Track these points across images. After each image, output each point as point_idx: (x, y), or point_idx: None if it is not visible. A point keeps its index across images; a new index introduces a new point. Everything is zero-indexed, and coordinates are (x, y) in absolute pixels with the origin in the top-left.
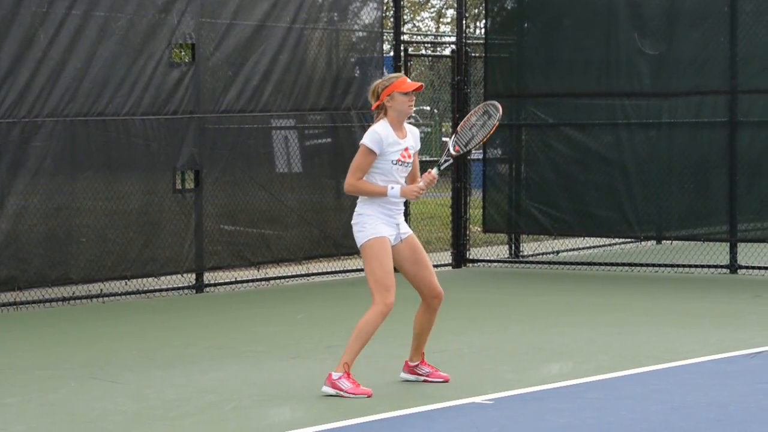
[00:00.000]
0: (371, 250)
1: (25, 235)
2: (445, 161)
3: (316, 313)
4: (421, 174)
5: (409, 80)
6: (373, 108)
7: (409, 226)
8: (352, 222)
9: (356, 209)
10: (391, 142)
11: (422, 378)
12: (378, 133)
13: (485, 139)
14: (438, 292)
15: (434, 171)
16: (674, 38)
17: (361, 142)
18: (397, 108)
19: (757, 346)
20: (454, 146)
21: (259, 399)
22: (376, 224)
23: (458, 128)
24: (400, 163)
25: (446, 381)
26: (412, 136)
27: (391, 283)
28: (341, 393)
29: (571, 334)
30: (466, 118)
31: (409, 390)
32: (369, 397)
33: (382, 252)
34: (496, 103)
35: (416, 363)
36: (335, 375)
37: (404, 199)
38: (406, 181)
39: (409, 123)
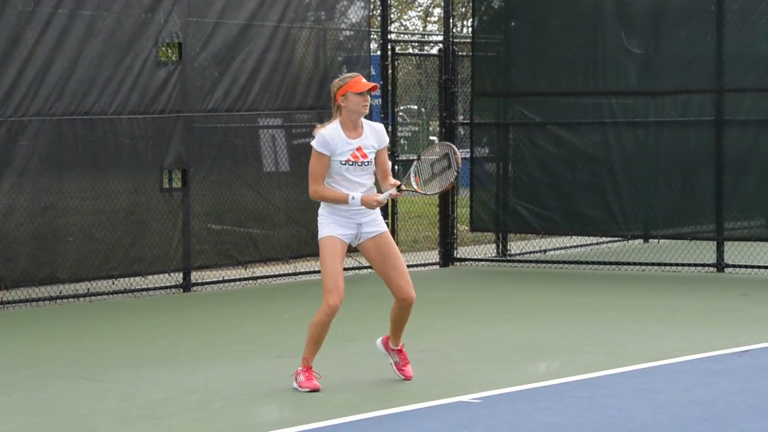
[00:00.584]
0: (320, 251)
1: (11, 234)
2: (406, 190)
3: (303, 312)
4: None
5: (364, 80)
6: (333, 109)
7: (396, 225)
8: (318, 219)
9: (319, 209)
10: (339, 142)
11: (390, 360)
12: (323, 136)
13: (444, 191)
14: (405, 296)
15: (393, 191)
16: (661, 37)
17: (311, 144)
18: (350, 108)
19: (743, 344)
20: (416, 176)
21: (246, 398)
22: (329, 225)
23: (421, 156)
24: (350, 163)
25: (407, 379)
26: (374, 134)
27: (335, 284)
28: (295, 385)
29: (559, 332)
30: (429, 149)
31: (397, 389)
32: (317, 391)
33: (327, 253)
34: (458, 153)
35: (394, 348)
36: (298, 369)
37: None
38: (377, 178)
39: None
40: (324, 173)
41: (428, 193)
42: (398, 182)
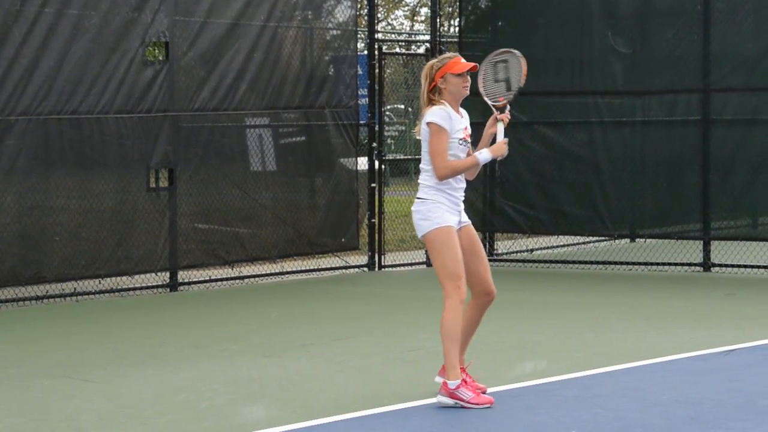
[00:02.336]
0: (439, 241)
1: None
2: (502, 105)
3: (290, 311)
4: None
5: (463, 60)
6: (429, 89)
7: (383, 224)
8: (414, 209)
9: (419, 195)
10: (456, 119)
11: (466, 400)
12: (443, 109)
13: (525, 75)
14: (490, 290)
15: (501, 129)
16: (647, 37)
17: (428, 121)
18: (451, 90)
19: (730, 343)
20: (498, 98)
21: (233, 398)
22: (441, 212)
23: (481, 89)
24: (465, 142)
25: (489, 403)
26: (466, 117)
27: (462, 272)
28: (462, 404)
29: (546, 332)
30: (481, 78)
31: (384, 388)
32: (491, 405)
33: (451, 242)
34: (499, 51)
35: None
36: (451, 384)
37: (464, 182)
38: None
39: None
40: (447, 149)
41: (516, 88)
42: (494, 111)
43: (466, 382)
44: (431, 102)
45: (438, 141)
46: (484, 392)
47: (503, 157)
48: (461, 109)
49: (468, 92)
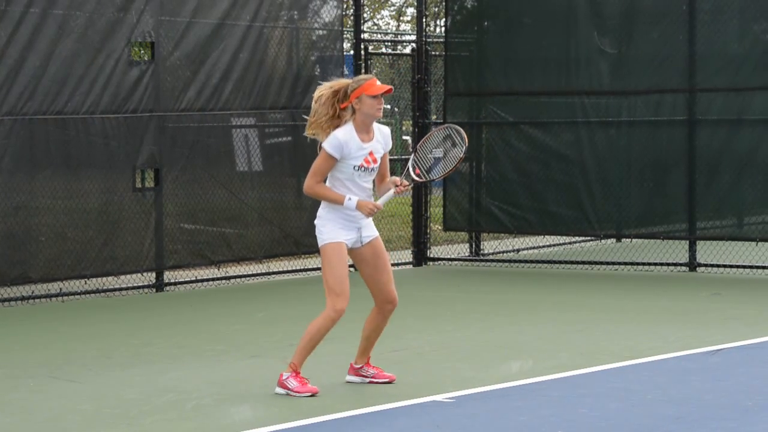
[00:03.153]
0: (325, 256)
1: None
2: (409, 184)
3: (276, 311)
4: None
5: (378, 83)
6: (342, 107)
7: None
8: (315, 221)
9: (319, 209)
10: (354, 147)
11: (368, 380)
12: (338, 139)
13: (451, 172)
14: (392, 298)
15: (390, 193)
16: (633, 37)
17: (322, 145)
18: (365, 111)
19: (716, 343)
20: (415, 169)
21: (219, 398)
22: (333, 228)
23: (418, 147)
24: (362, 169)
25: (392, 381)
26: (382, 137)
27: (342, 289)
28: (289, 392)
29: (532, 332)
30: (426, 138)
31: (370, 389)
32: (314, 395)
33: (335, 258)
34: (461, 130)
35: (360, 365)
36: (285, 375)
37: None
38: (374, 183)
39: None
40: (326, 174)
41: (435, 178)
42: (398, 179)
43: (297, 373)
44: (338, 118)
45: (320, 162)
46: (392, 381)
47: (366, 214)
48: (379, 129)
49: (381, 115)
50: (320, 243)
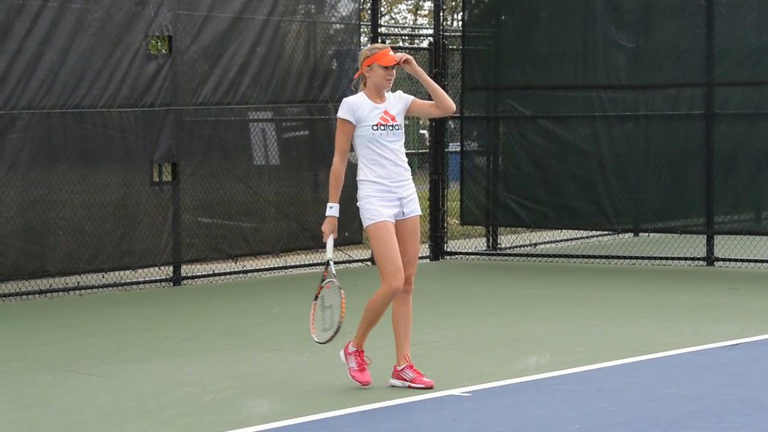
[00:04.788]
0: (373, 236)
1: (1, 227)
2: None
3: (293, 305)
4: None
5: (392, 53)
6: (356, 76)
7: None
8: (357, 204)
9: (357, 192)
10: (366, 108)
11: (407, 383)
12: (348, 103)
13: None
14: (407, 278)
15: (329, 254)
16: (651, 31)
17: (337, 115)
18: (374, 80)
19: (733, 338)
20: (326, 284)
21: (236, 392)
22: (375, 206)
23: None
24: (381, 127)
25: (430, 387)
26: (396, 98)
27: (396, 267)
28: (348, 369)
29: (549, 326)
30: (312, 312)
31: (386, 382)
32: (364, 386)
33: (382, 237)
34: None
35: (402, 366)
36: (351, 348)
37: (402, 170)
38: (436, 104)
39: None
40: (347, 144)
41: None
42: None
43: (359, 353)
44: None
45: (338, 133)
46: (430, 387)
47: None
48: (391, 95)
49: (390, 85)
50: (365, 223)
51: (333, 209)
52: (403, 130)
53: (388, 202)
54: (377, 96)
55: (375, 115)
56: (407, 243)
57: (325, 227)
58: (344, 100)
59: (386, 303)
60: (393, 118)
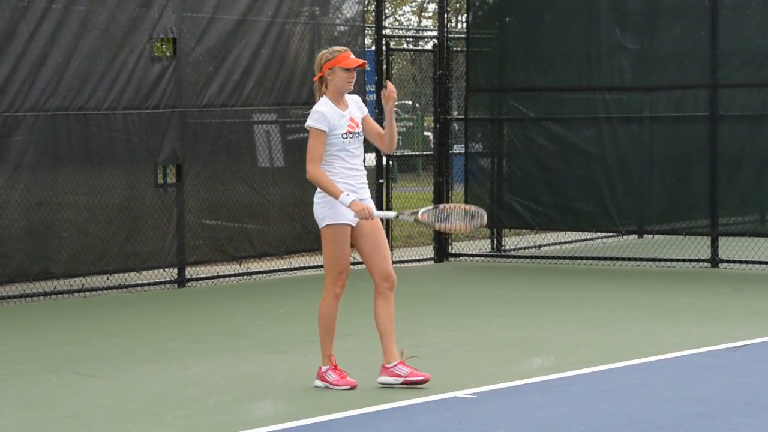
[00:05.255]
0: (330, 237)
1: (5, 229)
2: (408, 216)
3: (297, 307)
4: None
5: (353, 56)
6: (314, 79)
7: (391, 221)
8: (315, 199)
9: (317, 188)
10: (335, 116)
11: (401, 380)
12: (320, 112)
13: (451, 230)
14: (389, 273)
15: (392, 214)
16: (655, 32)
17: (307, 125)
18: (336, 83)
19: (738, 339)
20: (423, 214)
21: (240, 393)
22: (341, 209)
23: (442, 207)
24: (350, 135)
25: (426, 380)
26: (354, 105)
27: (343, 269)
28: (328, 385)
29: (553, 328)
30: (455, 206)
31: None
32: (353, 388)
33: (340, 240)
34: (485, 215)
35: (393, 363)
36: (323, 368)
37: (363, 173)
38: (375, 142)
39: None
40: (322, 152)
41: (437, 227)
42: (417, 212)
43: (335, 366)
44: (319, 92)
45: (312, 143)
46: (426, 380)
47: (358, 216)
48: (349, 99)
49: (351, 88)
50: (325, 223)
51: (349, 195)
52: (362, 137)
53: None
54: (340, 101)
55: (344, 123)
56: (378, 241)
57: (361, 210)
58: (315, 109)
59: (336, 305)
60: (357, 125)
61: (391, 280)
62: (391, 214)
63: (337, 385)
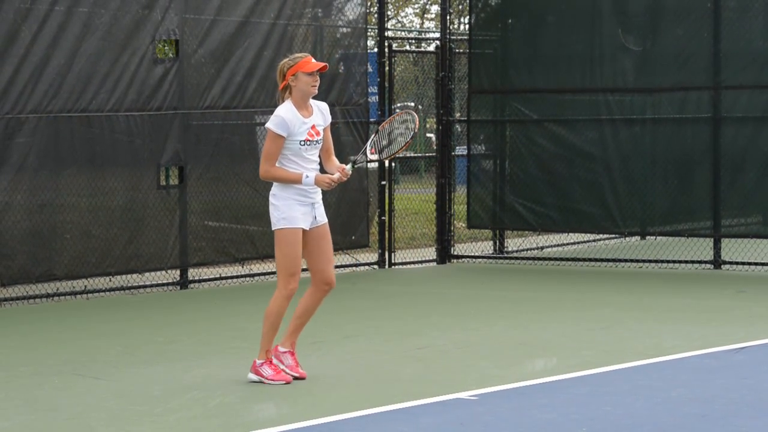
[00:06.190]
0: (283, 239)
1: (8, 231)
2: (360, 161)
3: None
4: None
5: (313, 60)
6: (279, 88)
7: (393, 222)
8: (270, 199)
9: (272, 188)
10: (296, 122)
11: (282, 366)
12: (281, 116)
13: (398, 153)
14: (330, 280)
15: (348, 167)
16: (658, 34)
17: (266, 126)
18: (300, 88)
19: (740, 341)
20: (371, 148)
21: (243, 395)
22: (290, 210)
23: (380, 127)
24: (308, 143)
25: (302, 378)
26: (320, 112)
27: (295, 270)
28: (263, 379)
29: (556, 329)
30: (389, 120)
31: (394, 386)
32: (287, 383)
33: (291, 242)
34: (415, 115)
35: (286, 350)
36: (258, 362)
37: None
38: (320, 158)
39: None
40: (277, 155)
41: (384, 156)
42: (342, 165)
43: (270, 360)
44: (282, 101)
45: (269, 145)
46: (303, 378)
47: (328, 189)
48: (316, 105)
49: (316, 91)
50: (275, 223)
51: (308, 176)
52: (321, 145)
53: (303, 207)
54: (304, 107)
55: (303, 130)
56: (323, 246)
57: (328, 182)
58: (277, 113)
59: (285, 306)
60: (318, 133)
61: (331, 284)
62: (347, 167)
63: (272, 379)
